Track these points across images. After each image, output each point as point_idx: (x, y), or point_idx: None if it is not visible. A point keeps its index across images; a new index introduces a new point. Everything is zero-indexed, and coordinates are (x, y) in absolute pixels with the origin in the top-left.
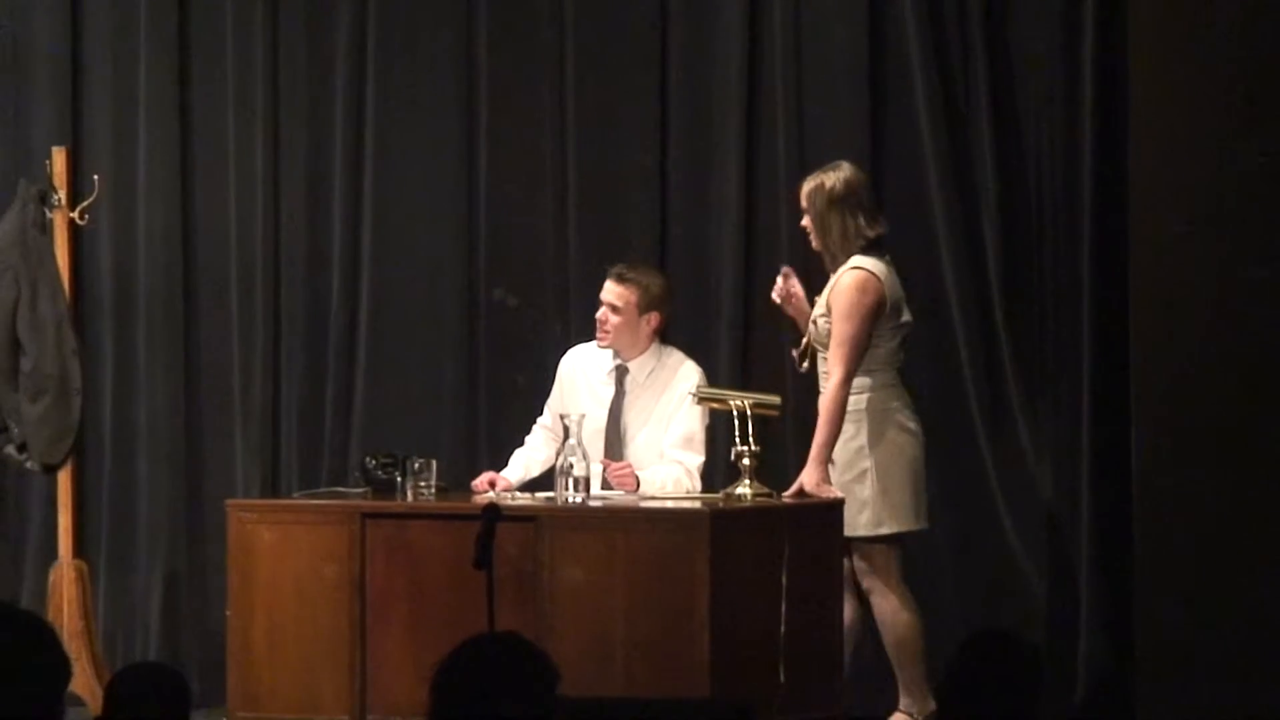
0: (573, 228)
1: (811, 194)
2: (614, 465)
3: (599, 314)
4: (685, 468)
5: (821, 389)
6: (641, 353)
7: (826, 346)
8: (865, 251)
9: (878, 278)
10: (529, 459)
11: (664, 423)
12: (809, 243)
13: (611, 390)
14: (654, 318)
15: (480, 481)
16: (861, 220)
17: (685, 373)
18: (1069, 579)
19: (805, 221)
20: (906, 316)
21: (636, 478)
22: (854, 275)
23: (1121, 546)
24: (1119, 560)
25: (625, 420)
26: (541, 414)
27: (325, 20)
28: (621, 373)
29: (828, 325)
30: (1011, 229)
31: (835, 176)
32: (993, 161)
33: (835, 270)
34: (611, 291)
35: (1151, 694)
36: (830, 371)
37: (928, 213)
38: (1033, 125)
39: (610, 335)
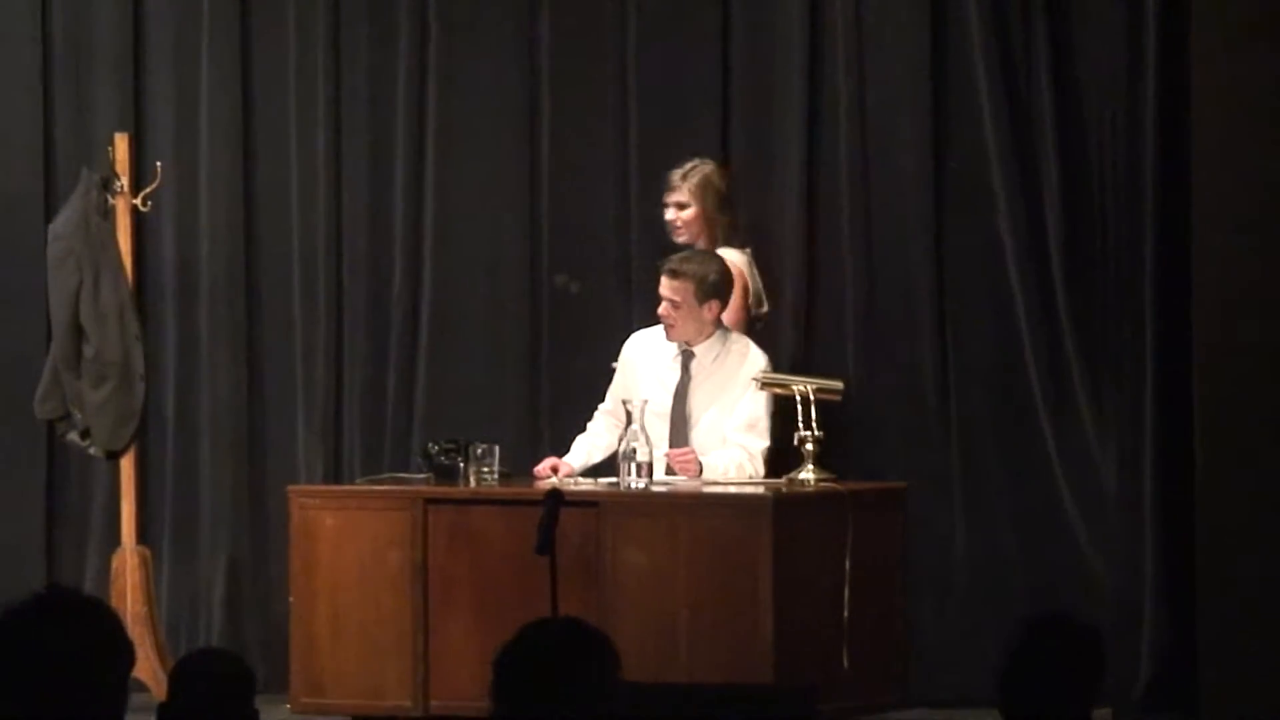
0: (635, 213)
1: (701, 191)
2: (676, 451)
3: (660, 309)
4: (748, 452)
5: None
6: (706, 338)
7: None
8: (729, 244)
9: (742, 271)
10: (591, 445)
11: (728, 407)
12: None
13: (678, 374)
14: (714, 305)
15: (543, 467)
16: (739, 217)
17: (750, 357)
18: (1133, 566)
19: (681, 214)
20: (765, 307)
21: (699, 463)
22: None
23: (1185, 533)
24: (1183, 547)
25: (690, 404)
26: (604, 400)
27: (387, 7)
28: (687, 357)
29: None
30: (1074, 215)
31: (717, 174)
32: (1055, 148)
33: None
34: (668, 286)
35: (1215, 680)
36: None
37: (990, 199)
38: (1095, 110)
39: (676, 329)
